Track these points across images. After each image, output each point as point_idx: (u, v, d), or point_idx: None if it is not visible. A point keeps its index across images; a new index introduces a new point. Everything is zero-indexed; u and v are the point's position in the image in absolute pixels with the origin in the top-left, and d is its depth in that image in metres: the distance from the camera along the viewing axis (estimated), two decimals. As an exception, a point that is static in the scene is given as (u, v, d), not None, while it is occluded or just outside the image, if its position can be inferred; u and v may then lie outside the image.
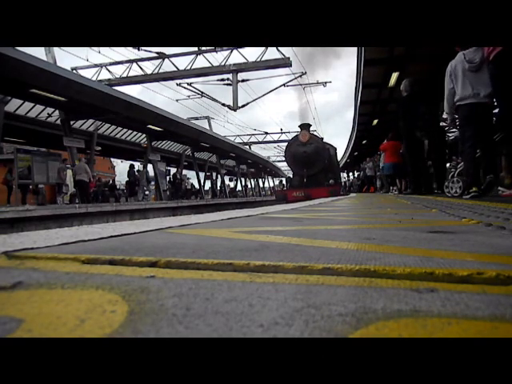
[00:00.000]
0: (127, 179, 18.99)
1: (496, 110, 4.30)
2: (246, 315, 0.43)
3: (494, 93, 3.95)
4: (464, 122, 4.28)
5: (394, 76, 11.07)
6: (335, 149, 15.85)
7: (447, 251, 0.81)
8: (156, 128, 16.50)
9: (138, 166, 25.03)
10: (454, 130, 7.04)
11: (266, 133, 33.56)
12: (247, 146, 32.16)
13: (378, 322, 0.41)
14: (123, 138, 20.70)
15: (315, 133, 17.11)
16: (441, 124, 6.66)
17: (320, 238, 1.07)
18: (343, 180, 28.36)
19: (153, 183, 20.08)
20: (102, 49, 14.93)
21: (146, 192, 19.96)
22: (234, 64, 14.61)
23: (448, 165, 6.80)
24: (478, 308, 0.45)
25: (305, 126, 13.67)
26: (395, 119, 7.63)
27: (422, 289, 0.53)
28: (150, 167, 19.32)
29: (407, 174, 7.47)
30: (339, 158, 22.29)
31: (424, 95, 6.83)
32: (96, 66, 16.11)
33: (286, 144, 14.27)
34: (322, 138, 14.45)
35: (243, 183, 36.50)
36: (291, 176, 14.12)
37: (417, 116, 6.28)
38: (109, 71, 16.16)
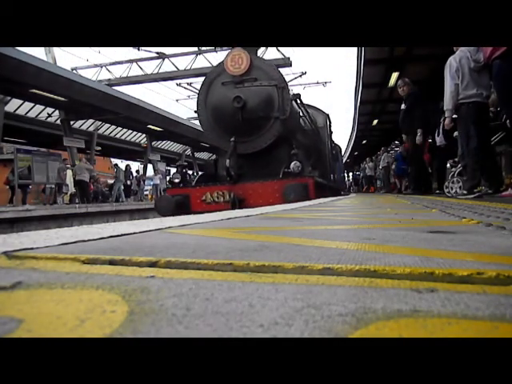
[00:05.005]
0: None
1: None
2: (245, 315, 0.43)
3: (496, 93, 3.95)
4: (468, 121, 4.21)
5: (394, 76, 11.09)
6: (326, 116, 9.22)
7: (447, 251, 0.81)
8: (156, 128, 16.51)
9: (138, 166, 25.11)
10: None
11: (266, 133, 33.43)
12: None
13: (377, 321, 0.41)
14: (123, 138, 20.71)
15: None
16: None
17: (320, 238, 1.07)
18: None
19: (150, 182, 20.07)
20: (102, 49, 14.96)
21: (146, 192, 19.97)
22: (234, 64, 14.57)
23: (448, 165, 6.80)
24: (478, 308, 0.44)
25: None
26: (397, 118, 7.62)
27: (421, 289, 0.53)
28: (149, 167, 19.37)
29: (408, 173, 7.48)
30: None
31: (426, 95, 6.83)
32: (96, 66, 16.10)
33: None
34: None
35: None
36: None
37: (422, 115, 6.26)
38: (109, 71, 16.17)
